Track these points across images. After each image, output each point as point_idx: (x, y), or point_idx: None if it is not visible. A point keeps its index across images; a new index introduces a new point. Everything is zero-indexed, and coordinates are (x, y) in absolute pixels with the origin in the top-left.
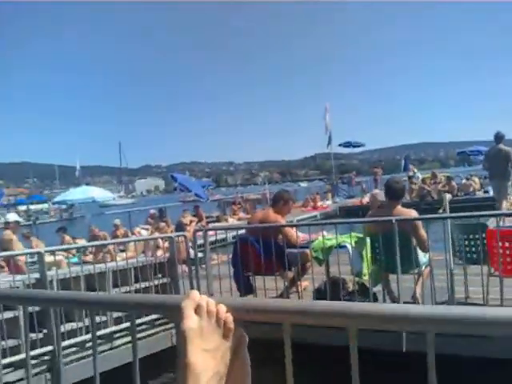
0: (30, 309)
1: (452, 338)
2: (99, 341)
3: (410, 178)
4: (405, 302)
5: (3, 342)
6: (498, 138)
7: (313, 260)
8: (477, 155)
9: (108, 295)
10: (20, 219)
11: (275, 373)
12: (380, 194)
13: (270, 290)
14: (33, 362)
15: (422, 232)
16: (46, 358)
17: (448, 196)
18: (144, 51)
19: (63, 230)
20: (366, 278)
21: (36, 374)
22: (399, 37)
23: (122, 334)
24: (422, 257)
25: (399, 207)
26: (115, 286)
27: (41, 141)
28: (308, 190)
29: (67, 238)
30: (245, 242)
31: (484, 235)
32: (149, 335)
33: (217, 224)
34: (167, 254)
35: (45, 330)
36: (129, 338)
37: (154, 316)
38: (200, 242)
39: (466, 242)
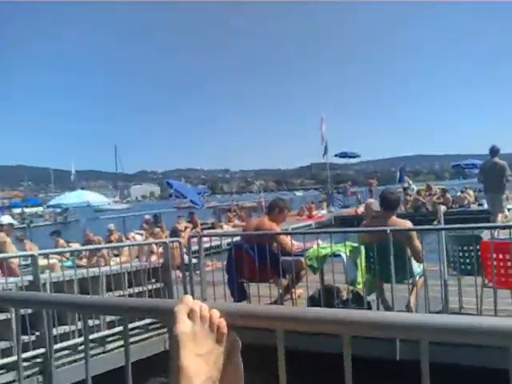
0: (23, 311)
1: (451, 348)
2: (92, 344)
3: (404, 189)
4: (399, 311)
5: None
6: (493, 151)
7: (307, 268)
8: (471, 168)
9: (101, 298)
10: (14, 222)
11: (268, 378)
12: (375, 203)
13: (264, 296)
14: (25, 364)
15: (417, 242)
16: (38, 360)
17: (443, 208)
18: (144, 51)
19: (57, 234)
20: (360, 286)
21: (28, 377)
22: (397, 50)
23: (115, 337)
24: (417, 267)
25: (394, 217)
26: (109, 290)
27: (36, 144)
28: (303, 199)
29: (61, 241)
30: (239, 249)
31: (478, 247)
32: (142, 339)
33: (211, 231)
34: (161, 260)
35: (37, 333)
36: (121, 342)
37: (147, 320)
38: (194, 248)
39: (461, 254)
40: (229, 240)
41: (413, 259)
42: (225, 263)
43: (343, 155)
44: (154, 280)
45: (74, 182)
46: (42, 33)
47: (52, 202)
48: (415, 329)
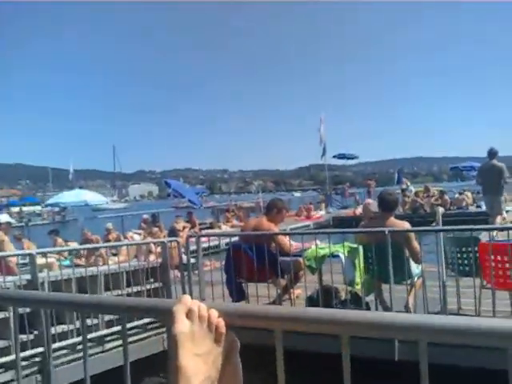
0: (21, 310)
1: (450, 349)
2: (90, 343)
3: (403, 190)
4: (397, 312)
5: None
6: (492, 154)
7: (306, 268)
8: (469, 171)
9: (99, 298)
10: (12, 221)
11: (266, 378)
12: (373, 203)
13: (262, 297)
14: (23, 363)
15: (415, 244)
16: (36, 359)
17: (441, 209)
18: (144, 51)
19: (55, 233)
20: (358, 287)
21: (26, 376)
22: (396, 51)
23: (114, 337)
24: (415, 268)
25: (392, 218)
26: (107, 289)
27: (35, 143)
28: (301, 200)
29: (59, 240)
30: (238, 249)
31: (476, 248)
32: (140, 339)
33: (210, 231)
34: (159, 259)
35: (36, 332)
36: (120, 342)
37: (145, 320)
38: (193, 247)
39: (459, 255)
40: (227, 240)
41: (411, 260)
42: (223, 263)
43: (341, 156)
44: (152, 280)
45: (72, 181)
46: (42, 33)
47: (50, 201)
48: (414, 329)
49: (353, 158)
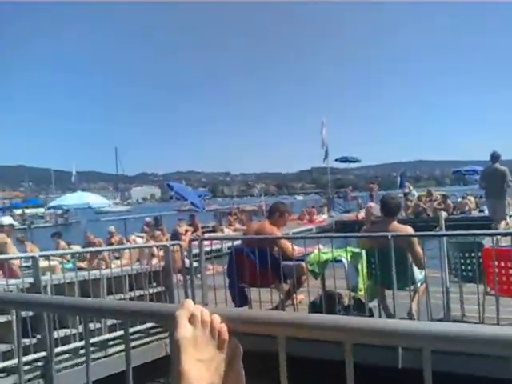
0: (24, 313)
1: (448, 356)
2: (93, 348)
3: (405, 194)
4: (400, 318)
5: None
6: (494, 157)
7: (308, 273)
8: (472, 175)
9: (102, 302)
10: (15, 223)
11: None
12: (375, 207)
13: (265, 302)
14: (26, 367)
15: (418, 249)
16: (39, 363)
17: (444, 214)
18: (144, 51)
19: (58, 236)
20: (361, 293)
21: (29, 380)
22: (398, 54)
23: (116, 341)
24: (418, 273)
25: (395, 223)
26: (109, 293)
27: (37, 144)
28: (304, 204)
29: (62, 243)
30: (240, 253)
31: (480, 254)
32: (143, 344)
33: (212, 234)
34: (162, 263)
35: (38, 336)
36: (122, 346)
37: (148, 325)
38: (195, 251)
39: (462, 261)
40: (230, 244)
41: (414, 265)
42: (225, 267)
43: (344, 160)
44: (154, 284)
45: (74, 183)
46: (42, 33)
47: (53, 203)
48: (417, 337)
49: (355, 162)
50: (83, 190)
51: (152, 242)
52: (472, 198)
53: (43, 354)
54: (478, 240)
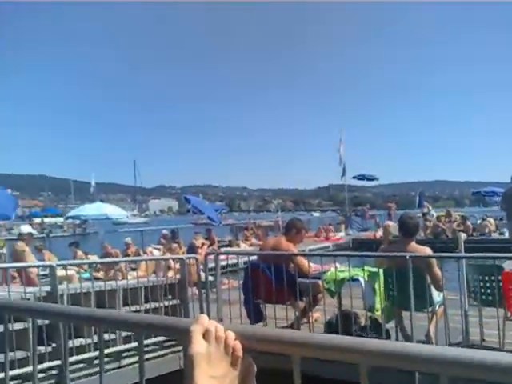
0: (40, 322)
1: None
2: (107, 359)
3: (424, 214)
4: (418, 341)
5: (12, 354)
6: None
7: (325, 291)
8: (492, 196)
9: (118, 313)
10: (34, 231)
11: None
12: (393, 225)
13: (280, 319)
14: (40, 375)
15: (437, 270)
16: (53, 372)
17: (463, 235)
18: (164, 66)
19: (76, 245)
20: (378, 313)
21: None
22: (418, 70)
23: (130, 353)
24: (436, 295)
25: (413, 243)
26: (125, 304)
27: (58, 155)
28: (321, 221)
29: (79, 253)
30: (256, 269)
31: (500, 277)
32: (157, 356)
33: (229, 248)
34: (178, 276)
35: (54, 344)
36: (137, 358)
37: (162, 337)
38: (211, 265)
39: (482, 284)
40: (246, 258)
41: (432, 287)
42: (241, 282)
43: (361, 177)
44: (170, 296)
45: (93, 193)
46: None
47: (71, 213)
48: (436, 362)
49: (373, 180)
50: (102, 200)
51: (168, 255)
52: (492, 220)
53: (58, 362)
54: (498, 263)
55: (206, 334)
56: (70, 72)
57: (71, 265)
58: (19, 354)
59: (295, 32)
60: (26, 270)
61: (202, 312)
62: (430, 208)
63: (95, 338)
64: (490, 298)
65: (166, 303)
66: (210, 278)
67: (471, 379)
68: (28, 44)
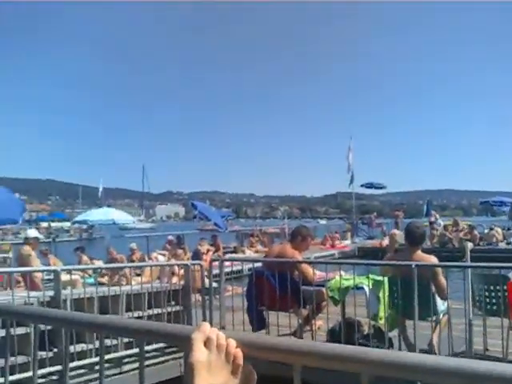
0: (42, 327)
1: None
2: (108, 365)
3: (431, 223)
4: (421, 350)
5: (12, 358)
6: None
7: (328, 299)
8: (500, 206)
9: (119, 320)
10: (40, 236)
11: None
12: (399, 234)
13: (283, 326)
14: (40, 380)
15: (442, 279)
16: (53, 377)
17: (469, 245)
18: (171, 72)
19: (81, 250)
20: (381, 321)
21: None
22: (427, 80)
23: (132, 359)
24: (441, 304)
25: (419, 252)
26: (128, 310)
27: (66, 160)
28: (327, 228)
29: (85, 258)
30: (260, 276)
31: (505, 287)
32: (158, 363)
33: (234, 255)
34: (182, 282)
35: (55, 349)
36: (137, 364)
37: (163, 344)
38: (216, 271)
39: (487, 293)
40: (250, 265)
41: (437, 296)
42: (245, 289)
43: (369, 186)
44: (173, 302)
45: (101, 198)
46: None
47: (78, 218)
48: (440, 373)
49: (380, 188)
50: (109, 205)
51: (173, 261)
52: (499, 230)
53: (59, 367)
54: (504, 273)
55: (207, 342)
56: (83, 76)
57: (76, 270)
58: (20, 359)
59: (307, 34)
60: (31, 275)
61: (204, 319)
62: (438, 217)
63: (97, 344)
64: (495, 307)
65: (169, 309)
66: (214, 285)
67: None
68: (41, 48)
